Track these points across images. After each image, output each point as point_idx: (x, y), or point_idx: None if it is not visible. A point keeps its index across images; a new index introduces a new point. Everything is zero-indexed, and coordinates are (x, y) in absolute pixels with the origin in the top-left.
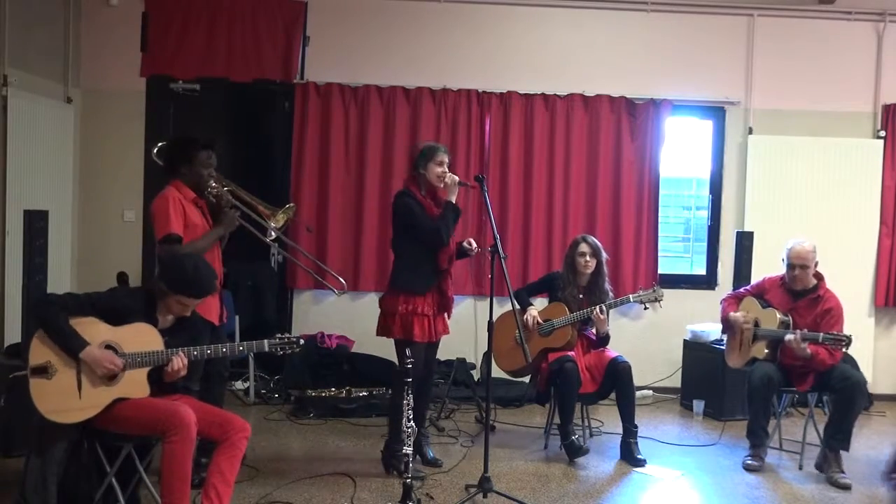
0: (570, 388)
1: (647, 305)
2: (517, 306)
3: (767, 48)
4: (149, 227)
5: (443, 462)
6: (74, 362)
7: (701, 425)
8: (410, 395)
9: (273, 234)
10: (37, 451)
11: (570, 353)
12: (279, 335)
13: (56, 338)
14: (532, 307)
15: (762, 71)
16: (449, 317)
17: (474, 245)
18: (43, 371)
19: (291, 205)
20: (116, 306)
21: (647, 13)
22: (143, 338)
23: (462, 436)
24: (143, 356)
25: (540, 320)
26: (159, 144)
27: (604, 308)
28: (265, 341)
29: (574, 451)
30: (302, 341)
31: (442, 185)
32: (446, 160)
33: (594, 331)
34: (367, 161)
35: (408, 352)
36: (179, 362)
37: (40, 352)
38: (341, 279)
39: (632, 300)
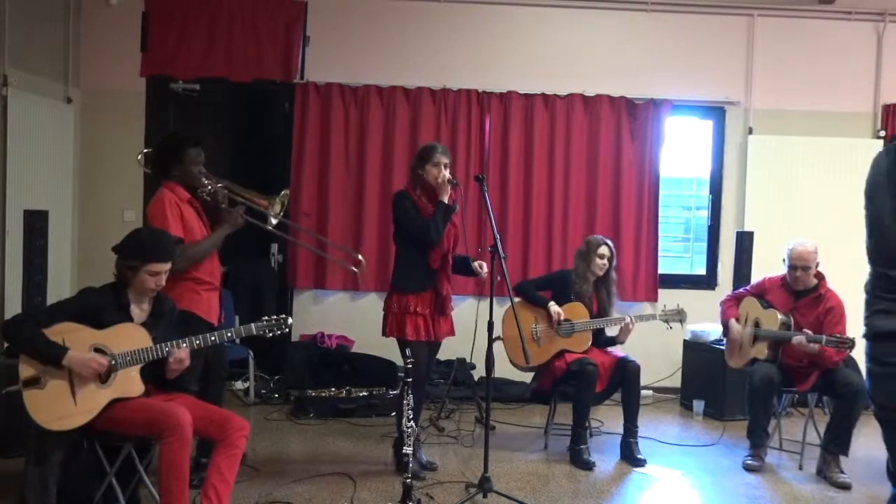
0: (589, 390)
1: (671, 325)
2: (527, 301)
3: (767, 48)
4: None
5: (437, 465)
6: (64, 369)
7: (701, 425)
8: (411, 395)
9: (274, 220)
10: (35, 460)
11: (590, 356)
12: (265, 317)
13: (34, 354)
14: (552, 303)
15: (762, 71)
16: (446, 317)
17: (485, 270)
18: (35, 382)
19: (286, 191)
20: (88, 306)
21: (647, 13)
22: (130, 336)
23: (462, 436)
24: (134, 354)
25: (564, 316)
26: (144, 151)
27: (634, 319)
28: (252, 325)
29: (580, 462)
30: (290, 320)
31: (436, 184)
32: (444, 160)
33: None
34: (367, 161)
35: (407, 352)
36: (180, 353)
37: (30, 364)
38: (359, 257)
39: (658, 318)
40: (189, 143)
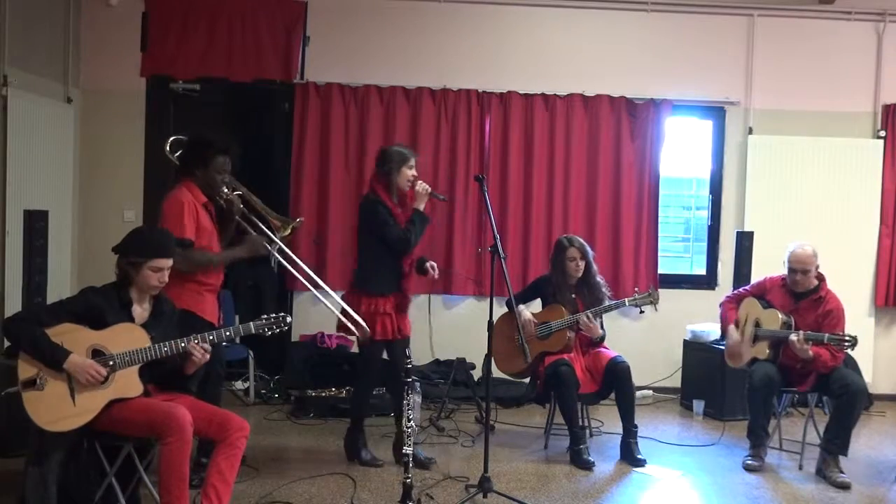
0: (568, 390)
1: (643, 309)
2: (513, 310)
3: (767, 48)
4: None
5: (435, 460)
6: (64, 370)
7: (701, 425)
8: (411, 395)
9: (278, 243)
10: (35, 460)
11: (566, 356)
12: (265, 315)
13: (36, 354)
14: (523, 309)
15: (762, 71)
16: (404, 316)
17: (436, 271)
18: (34, 383)
19: (301, 219)
20: (89, 306)
21: (647, 13)
22: (128, 336)
23: (462, 436)
24: (132, 354)
25: (536, 322)
26: (173, 138)
27: (590, 315)
28: (251, 323)
29: (580, 462)
30: (289, 318)
31: (408, 189)
32: (415, 163)
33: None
34: (367, 161)
35: (408, 352)
36: (200, 351)
37: (28, 365)
38: (363, 323)
39: (627, 304)
40: (219, 151)
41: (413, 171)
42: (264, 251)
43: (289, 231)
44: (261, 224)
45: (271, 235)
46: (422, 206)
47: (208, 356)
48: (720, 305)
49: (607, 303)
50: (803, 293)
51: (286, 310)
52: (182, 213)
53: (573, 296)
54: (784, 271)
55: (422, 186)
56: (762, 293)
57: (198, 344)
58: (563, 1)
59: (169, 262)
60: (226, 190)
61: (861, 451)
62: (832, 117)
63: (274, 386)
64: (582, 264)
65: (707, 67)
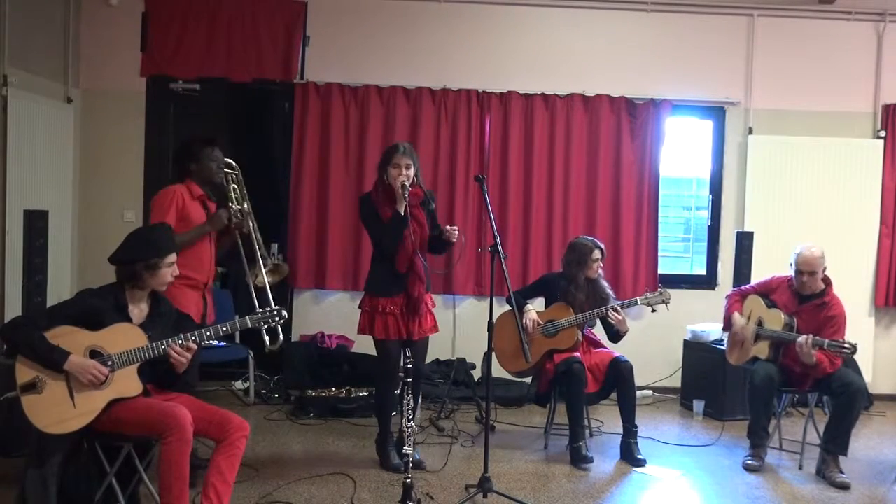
0: (578, 389)
1: (654, 308)
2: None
3: (767, 48)
4: None
5: (425, 463)
6: (63, 372)
7: (701, 425)
8: (411, 395)
9: (257, 282)
10: (35, 462)
11: (577, 355)
12: (260, 309)
13: (35, 357)
14: (530, 309)
15: (762, 71)
16: (423, 315)
17: (455, 232)
18: (32, 387)
19: (286, 270)
20: (86, 308)
21: (647, 13)
22: (126, 336)
23: (462, 436)
24: (130, 354)
25: (540, 322)
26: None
27: (619, 308)
28: (247, 318)
29: (579, 458)
30: (284, 312)
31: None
32: (404, 161)
33: (592, 330)
34: (367, 161)
35: (407, 352)
36: (179, 352)
37: (27, 368)
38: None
39: (639, 303)
40: (205, 142)
41: (398, 170)
42: (226, 222)
43: (271, 278)
44: (257, 251)
45: (261, 267)
46: (401, 208)
47: (189, 355)
48: (726, 298)
49: (618, 302)
50: (808, 296)
51: (286, 309)
52: (164, 201)
53: (583, 297)
54: (791, 272)
55: (400, 182)
56: (768, 291)
57: (180, 344)
58: (563, 1)
59: (171, 260)
60: (247, 207)
61: (861, 451)
62: (832, 117)
63: (274, 386)
64: (601, 266)
65: (707, 67)
